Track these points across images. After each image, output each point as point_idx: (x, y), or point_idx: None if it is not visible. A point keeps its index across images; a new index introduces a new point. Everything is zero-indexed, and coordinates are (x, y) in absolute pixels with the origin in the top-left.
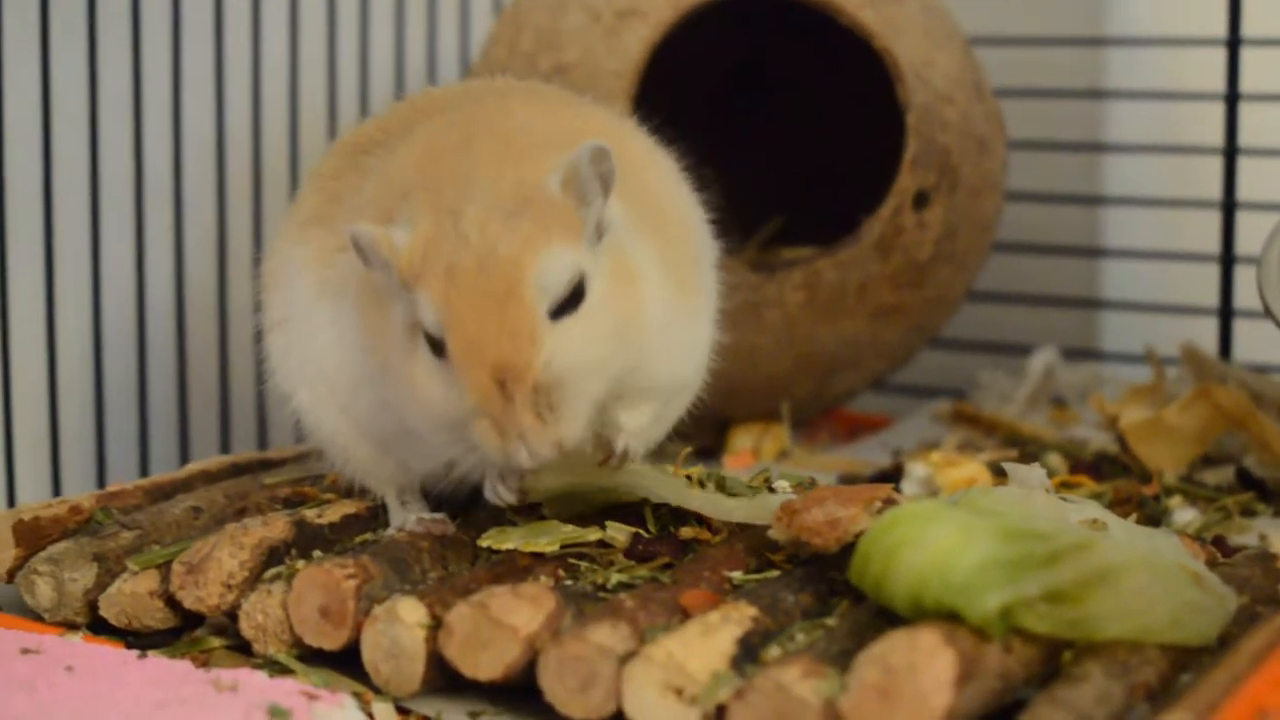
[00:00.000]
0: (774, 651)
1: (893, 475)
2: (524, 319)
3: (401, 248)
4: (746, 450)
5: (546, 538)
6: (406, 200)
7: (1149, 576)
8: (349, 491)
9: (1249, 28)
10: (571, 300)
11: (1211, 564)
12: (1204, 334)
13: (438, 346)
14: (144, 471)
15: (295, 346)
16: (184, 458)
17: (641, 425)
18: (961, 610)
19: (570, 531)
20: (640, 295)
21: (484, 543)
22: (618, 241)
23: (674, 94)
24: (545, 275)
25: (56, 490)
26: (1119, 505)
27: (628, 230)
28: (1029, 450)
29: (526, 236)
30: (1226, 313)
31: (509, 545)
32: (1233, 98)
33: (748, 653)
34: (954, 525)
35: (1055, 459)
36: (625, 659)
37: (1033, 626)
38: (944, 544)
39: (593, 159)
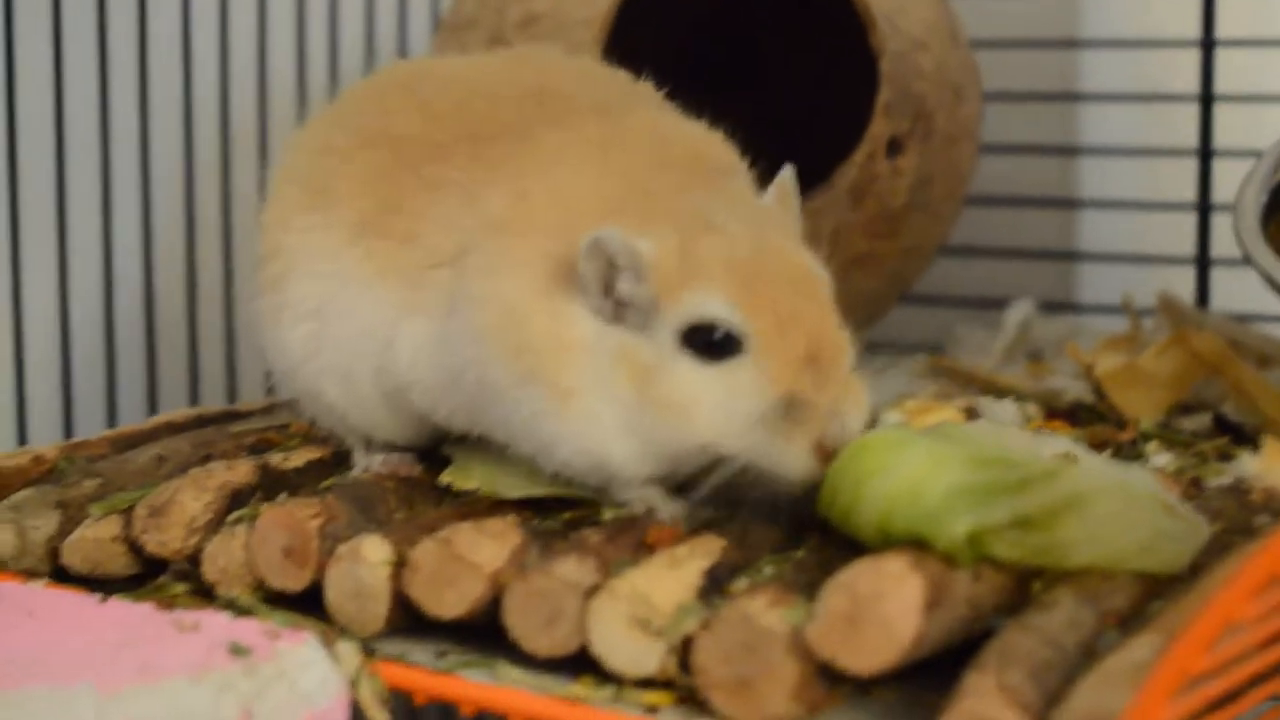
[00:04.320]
0: (742, 584)
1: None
2: (824, 295)
3: (658, 256)
4: None
5: (510, 481)
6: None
7: (1119, 503)
8: (314, 438)
9: None
10: None
11: (1186, 498)
12: (1182, 284)
13: (717, 344)
14: (112, 427)
15: (331, 346)
16: (153, 415)
17: None
18: (930, 537)
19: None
20: None
21: (444, 479)
22: None
23: (644, 44)
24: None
25: (23, 444)
26: (1095, 450)
27: None
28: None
29: (787, 236)
30: (1204, 261)
31: (470, 486)
32: (1209, 44)
33: (715, 585)
34: (923, 453)
35: (1031, 408)
36: (590, 593)
37: (1002, 553)
38: (912, 471)
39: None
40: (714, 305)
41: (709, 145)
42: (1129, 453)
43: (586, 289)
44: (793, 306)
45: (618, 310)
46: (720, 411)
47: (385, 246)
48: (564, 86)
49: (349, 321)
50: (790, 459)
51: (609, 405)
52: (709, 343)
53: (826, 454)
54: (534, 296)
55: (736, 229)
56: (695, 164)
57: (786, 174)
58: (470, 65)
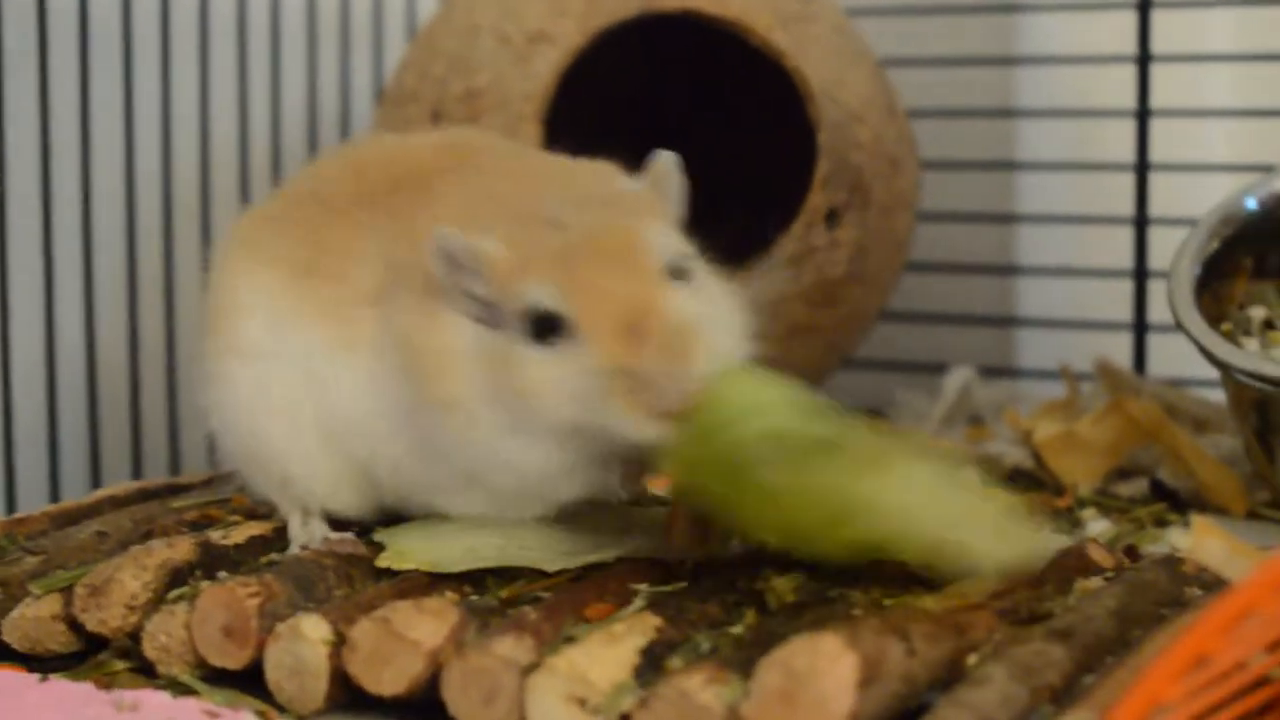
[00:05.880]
0: (678, 661)
1: None
2: (647, 266)
3: (493, 253)
4: None
5: (450, 557)
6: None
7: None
8: (255, 514)
9: (1158, 44)
10: (680, 275)
11: (1118, 569)
12: (1119, 349)
13: (551, 328)
14: (55, 501)
15: (278, 388)
16: (95, 488)
17: None
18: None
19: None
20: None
21: (381, 563)
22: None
23: (585, 118)
24: (657, 238)
25: None
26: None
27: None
28: None
29: (630, 213)
30: (1140, 327)
31: (408, 566)
32: (1143, 114)
33: (651, 662)
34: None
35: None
36: (528, 670)
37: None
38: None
39: (676, 164)
40: (540, 292)
41: (599, 174)
42: (1067, 519)
43: (448, 293)
44: (609, 283)
45: (483, 311)
46: (561, 391)
47: (318, 285)
48: (483, 151)
49: (294, 363)
50: (631, 427)
51: (486, 407)
52: (542, 328)
53: (664, 415)
54: (418, 315)
55: (577, 219)
56: (569, 180)
57: (665, 157)
58: (406, 140)
